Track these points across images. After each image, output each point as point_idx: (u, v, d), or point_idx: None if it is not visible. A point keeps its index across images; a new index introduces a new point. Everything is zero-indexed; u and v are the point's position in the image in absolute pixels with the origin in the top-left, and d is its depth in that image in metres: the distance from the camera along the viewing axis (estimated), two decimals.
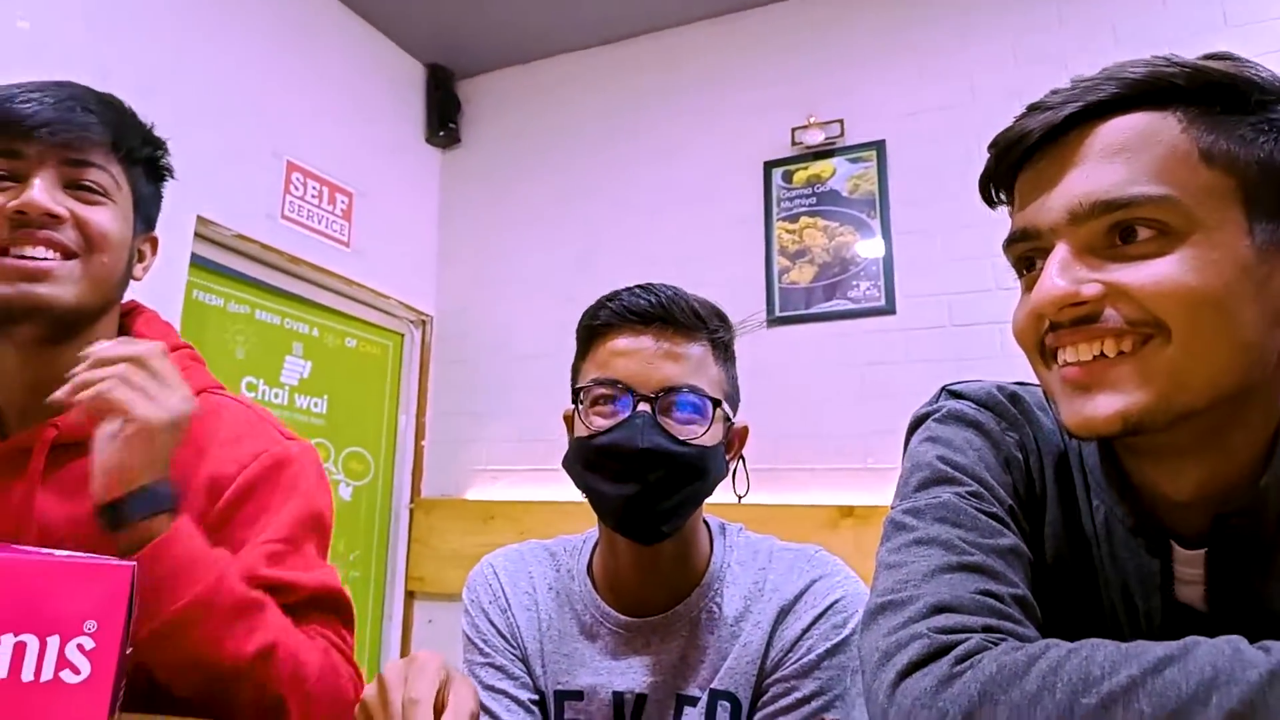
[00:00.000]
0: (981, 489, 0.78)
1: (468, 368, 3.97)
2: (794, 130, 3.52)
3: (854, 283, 3.33)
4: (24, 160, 0.99)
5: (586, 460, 1.09)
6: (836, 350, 3.29)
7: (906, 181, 3.34)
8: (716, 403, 1.10)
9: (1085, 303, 0.68)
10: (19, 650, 0.62)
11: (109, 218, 1.04)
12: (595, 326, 1.14)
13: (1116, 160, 0.69)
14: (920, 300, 3.21)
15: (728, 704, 1.09)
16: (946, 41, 3.38)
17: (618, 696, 1.12)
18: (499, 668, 1.16)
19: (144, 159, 1.11)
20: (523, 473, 3.69)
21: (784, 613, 1.10)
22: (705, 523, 1.20)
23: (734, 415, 1.17)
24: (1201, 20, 2.98)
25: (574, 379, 1.16)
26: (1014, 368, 0.85)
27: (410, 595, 3.80)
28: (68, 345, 1.04)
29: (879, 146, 3.40)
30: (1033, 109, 0.74)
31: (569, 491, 1.13)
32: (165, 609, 0.89)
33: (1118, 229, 0.68)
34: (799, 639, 1.08)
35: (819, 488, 3.15)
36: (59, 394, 0.90)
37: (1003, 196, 0.80)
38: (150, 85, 2.70)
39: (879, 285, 3.29)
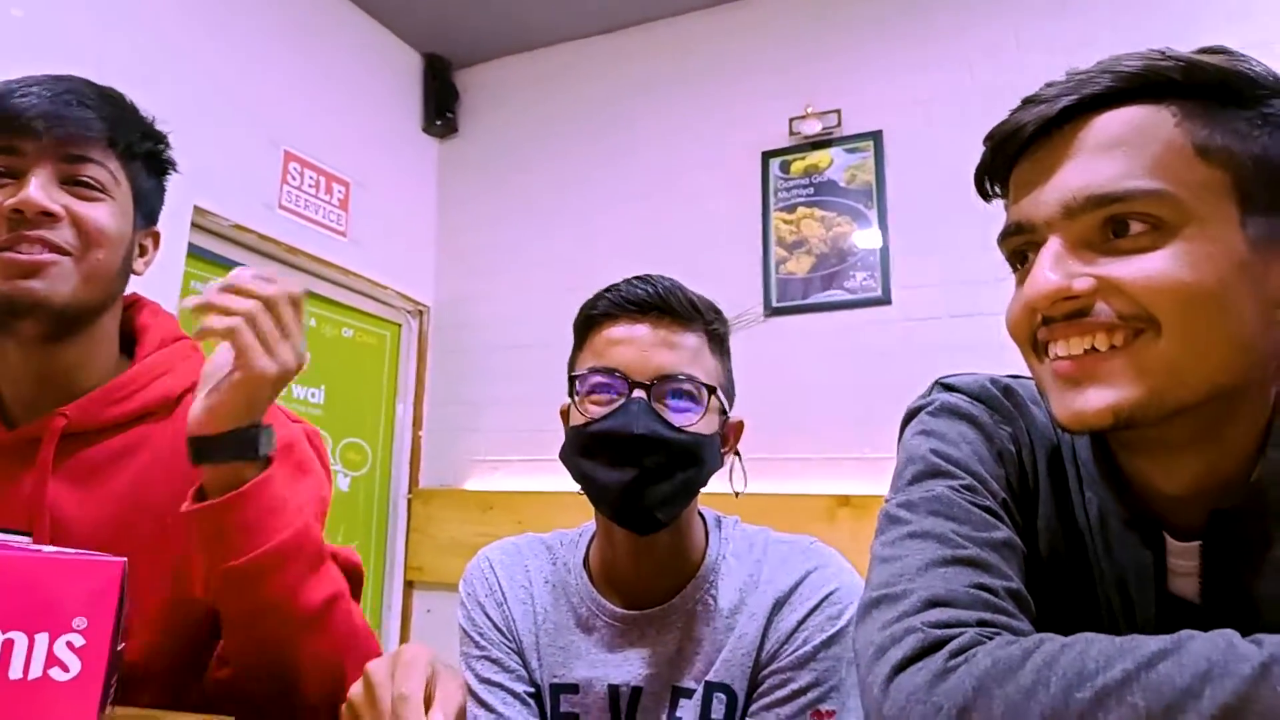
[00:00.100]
0: (975, 482, 0.78)
1: (465, 358, 3.97)
2: (791, 120, 3.51)
3: (851, 273, 3.33)
4: (21, 157, 0.99)
5: (582, 448, 1.09)
6: (833, 341, 3.29)
7: (904, 172, 3.33)
8: (712, 390, 1.10)
9: (1077, 297, 0.68)
10: (7, 647, 0.62)
11: (106, 214, 1.03)
12: (593, 316, 1.14)
13: (1111, 154, 0.69)
14: (917, 291, 3.21)
15: (723, 696, 1.09)
16: (945, 31, 3.37)
17: (613, 689, 1.12)
18: (495, 661, 1.16)
19: (144, 153, 1.10)
20: (521, 463, 3.69)
21: (779, 604, 1.10)
22: (701, 515, 1.20)
23: (729, 409, 1.17)
24: (1201, 11, 2.97)
25: (570, 369, 1.16)
26: (1010, 360, 0.85)
27: (409, 585, 3.81)
28: (71, 341, 1.04)
29: (876, 137, 3.40)
30: (1028, 102, 0.74)
31: (567, 482, 1.13)
32: (254, 550, 0.90)
33: (1111, 223, 0.68)
34: (794, 631, 1.08)
35: (816, 477, 3.16)
36: (189, 301, 0.89)
37: (997, 190, 0.80)
38: (147, 75, 2.70)
39: (876, 276, 3.28)
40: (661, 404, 1.08)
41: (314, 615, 0.93)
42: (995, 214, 0.80)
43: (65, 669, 0.63)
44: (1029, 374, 0.80)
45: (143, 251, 1.14)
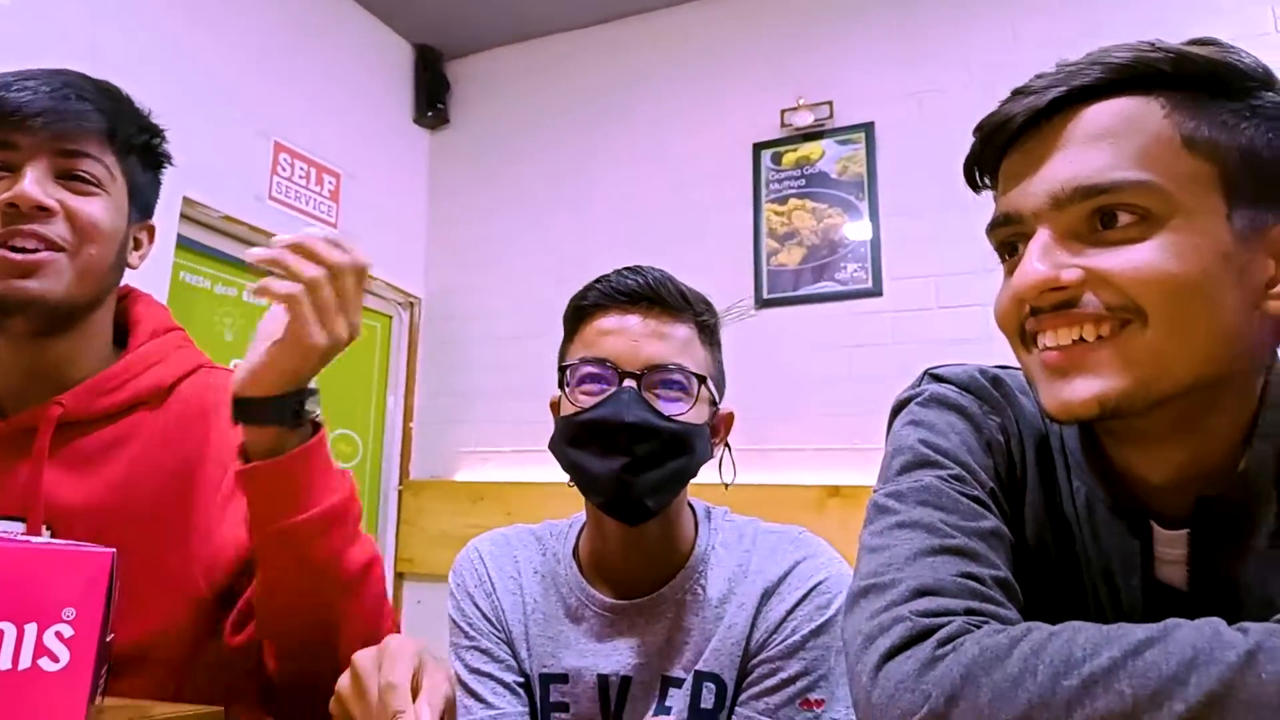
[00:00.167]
0: (963, 472, 0.78)
1: (456, 349, 3.97)
2: (783, 112, 3.51)
3: (842, 265, 3.33)
4: (17, 151, 0.99)
5: (572, 437, 1.10)
6: (824, 332, 3.30)
7: (895, 164, 3.34)
8: (701, 379, 1.10)
9: (1064, 288, 0.69)
10: None
11: (100, 209, 1.03)
12: (583, 307, 1.14)
13: (1099, 145, 0.69)
14: (907, 282, 3.22)
15: (713, 685, 1.09)
16: (936, 23, 3.37)
17: (603, 679, 1.12)
18: (484, 651, 1.16)
19: (140, 147, 1.10)
20: (512, 454, 3.69)
21: (768, 594, 1.11)
22: (690, 506, 1.20)
23: (719, 399, 1.17)
24: (1195, 3, 2.97)
25: (561, 360, 1.17)
26: (999, 351, 0.85)
27: (399, 576, 3.81)
28: (63, 336, 1.05)
29: (868, 129, 3.40)
30: (1017, 93, 0.74)
31: (557, 473, 1.14)
32: (310, 509, 0.91)
33: (1099, 214, 0.69)
34: (783, 620, 1.08)
35: (806, 468, 3.16)
36: (252, 254, 0.87)
37: (986, 181, 0.80)
38: (136, 66, 2.68)
39: (866, 267, 3.29)
40: (651, 393, 1.08)
41: (355, 578, 0.95)
42: (985, 206, 0.80)
43: (55, 659, 0.62)
44: (1018, 365, 0.80)
45: (137, 245, 1.14)
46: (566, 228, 3.82)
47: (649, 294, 1.11)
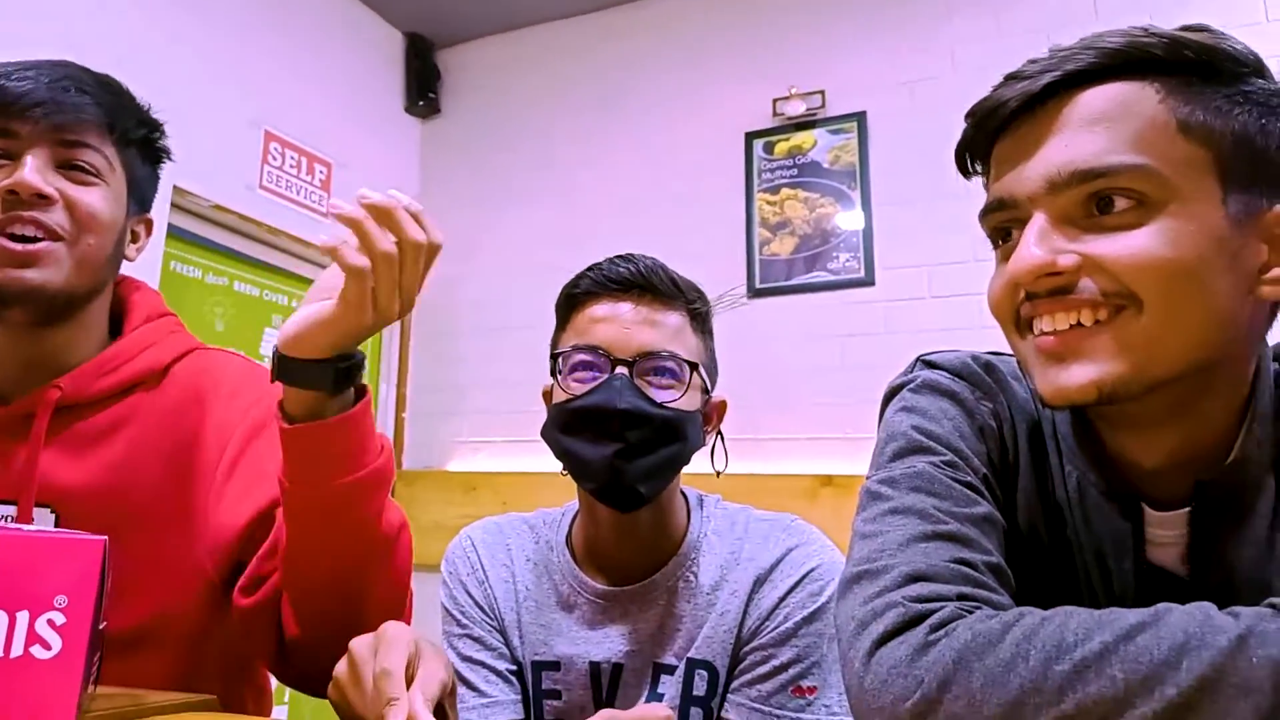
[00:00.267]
0: (956, 458, 0.79)
1: (448, 339, 3.96)
2: (775, 101, 3.50)
3: (834, 254, 3.33)
4: (16, 140, 0.99)
5: (565, 424, 1.10)
6: (816, 322, 3.30)
7: (887, 153, 3.33)
8: (694, 366, 1.10)
9: (1061, 273, 0.69)
10: None
11: (99, 199, 1.03)
12: (575, 295, 1.15)
13: (1095, 129, 0.69)
14: (900, 272, 3.22)
15: (705, 673, 1.10)
16: (929, 13, 3.36)
17: (594, 666, 1.13)
18: (477, 639, 1.16)
19: (139, 140, 1.10)
20: (504, 444, 3.69)
21: (760, 581, 1.11)
22: (683, 494, 1.21)
23: (712, 387, 1.17)
24: None
25: (553, 348, 1.17)
26: (992, 341, 0.86)
27: None
28: (60, 325, 1.05)
29: (860, 118, 3.39)
30: (1010, 78, 0.74)
31: (551, 462, 1.14)
32: (358, 470, 0.90)
33: (1095, 199, 0.69)
34: (775, 607, 1.09)
35: (799, 457, 3.17)
36: (335, 206, 0.83)
37: (978, 167, 0.80)
38: (126, 54, 2.66)
39: (859, 257, 3.29)
40: (644, 380, 1.08)
41: (388, 541, 0.95)
42: (977, 196, 0.80)
43: (47, 647, 0.62)
44: (1010, 352, 0.80)
45: (134, 238, 1.15)
46: (558, 217, 3.81)
47: (641, 282, 1.11)
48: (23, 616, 0.62)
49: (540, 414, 1.16)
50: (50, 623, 0.63)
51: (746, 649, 1.09)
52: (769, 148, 3.52)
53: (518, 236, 3.88)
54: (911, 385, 0.87)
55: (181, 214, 3.07)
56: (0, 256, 0.97)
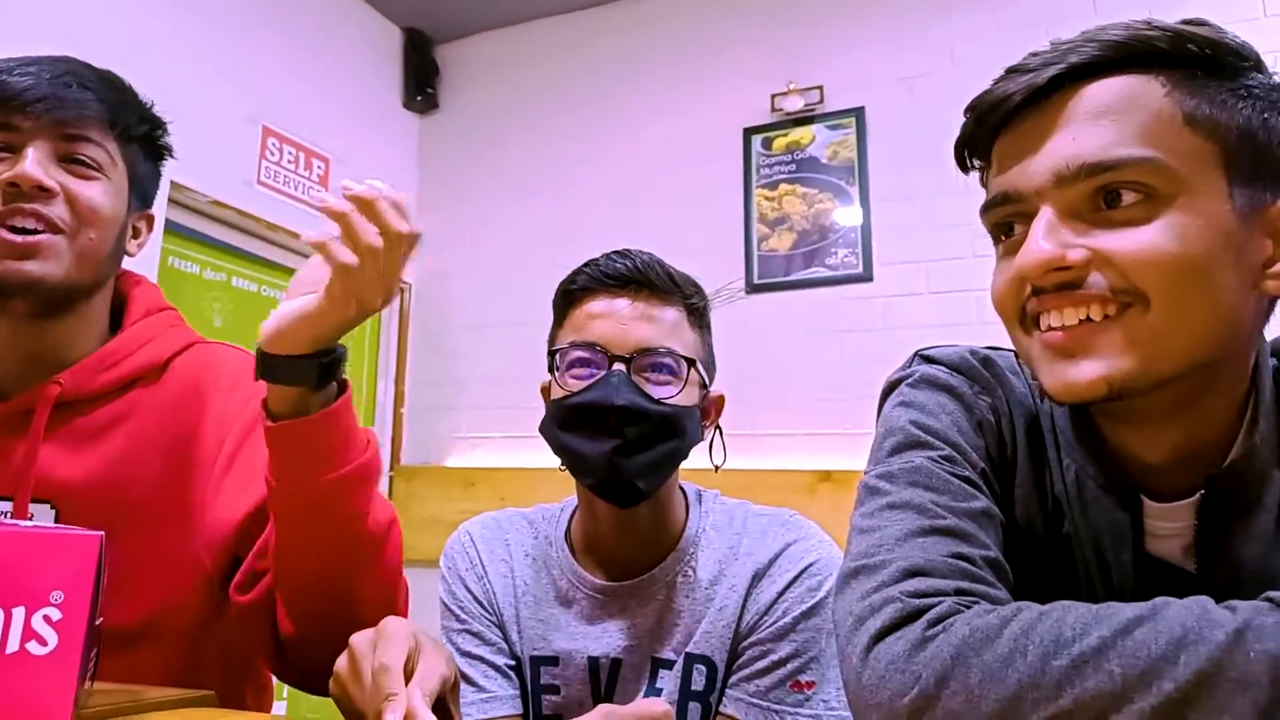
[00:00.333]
0: (954, 453, 0.78)
1: (447, 335, 3.96)
2: (774, 97, 3.50)
3: (832, 250, 3.33)
4: (19, 133, 0.99)
5: (563, 421, 1.10)
6: (814, 317, 3.30)
7: (885, 149, 3.33)
8: (691, 362, 1.10)
9: (1069, 267, 0.68)
10: None
11: (100, 193, 1.03)
12: (571, 291, 1.15)
13: (1102, 122, 0.68)
14: (898, 268, 3.22)
15: (703, 667, 1.10)
16: (927, 8, 3.36)
17: (593, 661, 1.13)
18: (475, 634, 1.16)
19: (141, 136, 1.11)
20: (503, 440, 3.69)
21: (758, 576, 1.11)
22: (681, 489, 1.21)
23: (710, 382, 1.17)
24: None
25: (550, 344, 1.16)
26: (991, 335, 0.85)
27: None
28: (61, 319, 1.05)
29: (858, 113, 3.39)
30: (1012, 71, 0.74)
31: (549, 458, 1.14)
32: (343, 466, 0.90)
33: (1103, 192, 0.68)
34: (774, 602, 1.09)
35: (797, 453, 3.17)
36: (321, 199, 0.83)
37: (977, 162, 0.79)
38: (124, 50, 2.65)
39: (857, 253, 3.29)
40: (641, 377, 1.08)
41: (379, 537, 0.95)
42: (975, 191, 0.79)
43: (43, 643, 0.62)
44: (1008, 347, 0.80)
45: (136, 234, 1.15)
46: (557, 213, 3.80)
47: (637, 277, 1.11)
48: (19, 612, 0.62)
49: (538, 409, 1.16)
50: (46, 618, 0.63)
51: (745, 644, 1.09)
52: (767, 143, 3.51)
53: (516, 232, 3.88)
54: (909, 380, 0.87)
55: (179, 209, 3.06)
56: (0, 248, 0.97)
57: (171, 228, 3.01)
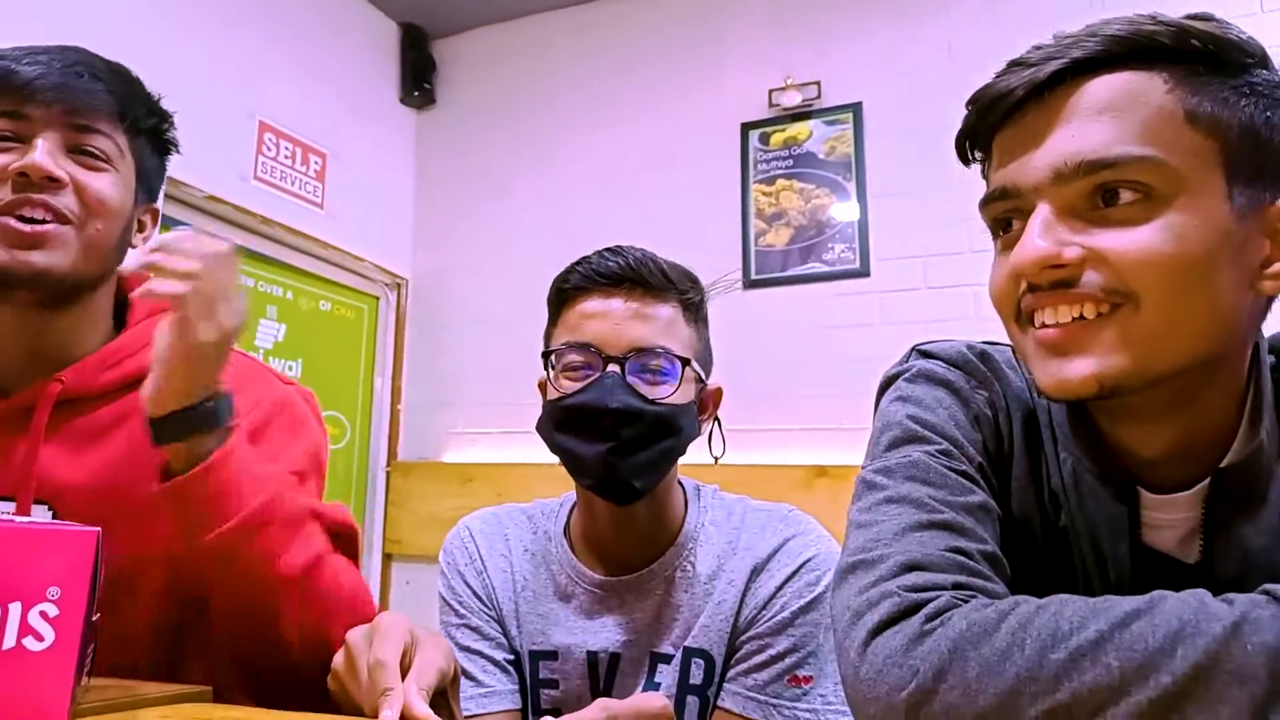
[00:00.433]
0: (951, 447, 0.78)
1: (444, 331, 3.96)
2: (771, 92, 3.50)
3: (829, 245, 3.33)
4: (28, 122, 0.99)
5: (558, 422, 1.10)
6: (811, 313, 3.30)
7: (883, 144, 3.33)
8: (685, 361, 1.10)
9: (1065, 265, 0.68)
10: None
11: (109, 184, 1.03)
12: (566, 290, 1.14)
13: (1102, 119, 0.68)
14: (895, 263, 3.22)
15: (701, 661, 1.10)
16: (925, 4, 3.36)
17: (592, 656, 1.13)
18: (474, 629, 1.16)
19: (149, 129, 1.10)
20: (500, 435, 3.69)
21: (757, 571, 1.11)
22: (680, 484, 1.21)
23: (706, 377, 1.17)
24: None
25: (546, 343, 1.16)
26: (988, 330, 0.85)
27: (387, 557, 3.81)
28: (66, 310, 1.04)
29: (856, 109, 3.39)
30: (1014, 65, 0.73)
31: (547, 454, 1.14)
32: (221, 524, 0.89)
33: (1101, 190, 0.68)
34: (772, 597, 1.09)
35: (794, 448, 3.17)
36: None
37: (978, 155, 0.79)
38: (120, 45, 2.64)
39: (854, 248, 3.29)
40: (636, 377, 1.08)
41: (293, 580, 0.93)
42: (973, 187, 0.79)
43: (40, 639, 0.62)
44: (1005, 342, 0.80)
45: (141, 227, 1.14)
46: (553, 208, 3.80)
47: (631, 275, 1.10)
48: (15, 608, 0.62)
49: (535, 405, 1.16)
50: (43, 614, 0.62)
51: (743, 638, 1.09)
52: (765, 138, 3.51)
53: (513, 227, 3.88)
54: (907, 374, 0.87)
55: (176, 204, 3.06)
56: (9, 237, 0.96)
57: (168, 223, 3.00)
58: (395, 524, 3.81)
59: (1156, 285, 0.66)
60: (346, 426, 3.79)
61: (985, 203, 0.76)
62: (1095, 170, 0.67)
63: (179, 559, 0.93)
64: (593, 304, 1.11)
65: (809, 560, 1.10)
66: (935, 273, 3.13)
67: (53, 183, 0.98)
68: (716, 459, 1.18)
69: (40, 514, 1.00)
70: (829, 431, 3.15)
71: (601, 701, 0.80)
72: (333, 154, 3.70)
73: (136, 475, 1.03)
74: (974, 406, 0.83)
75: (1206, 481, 0.74)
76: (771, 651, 1.07)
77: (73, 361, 1.05)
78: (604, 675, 1.13)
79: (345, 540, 1.07)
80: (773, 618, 1.08)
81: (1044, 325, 0.71)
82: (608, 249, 1.13)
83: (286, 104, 3.49)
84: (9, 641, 0.61)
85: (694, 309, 1.16)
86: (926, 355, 0.88)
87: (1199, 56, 0.69)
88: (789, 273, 3.37)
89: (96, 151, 1.02)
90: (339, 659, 0.81)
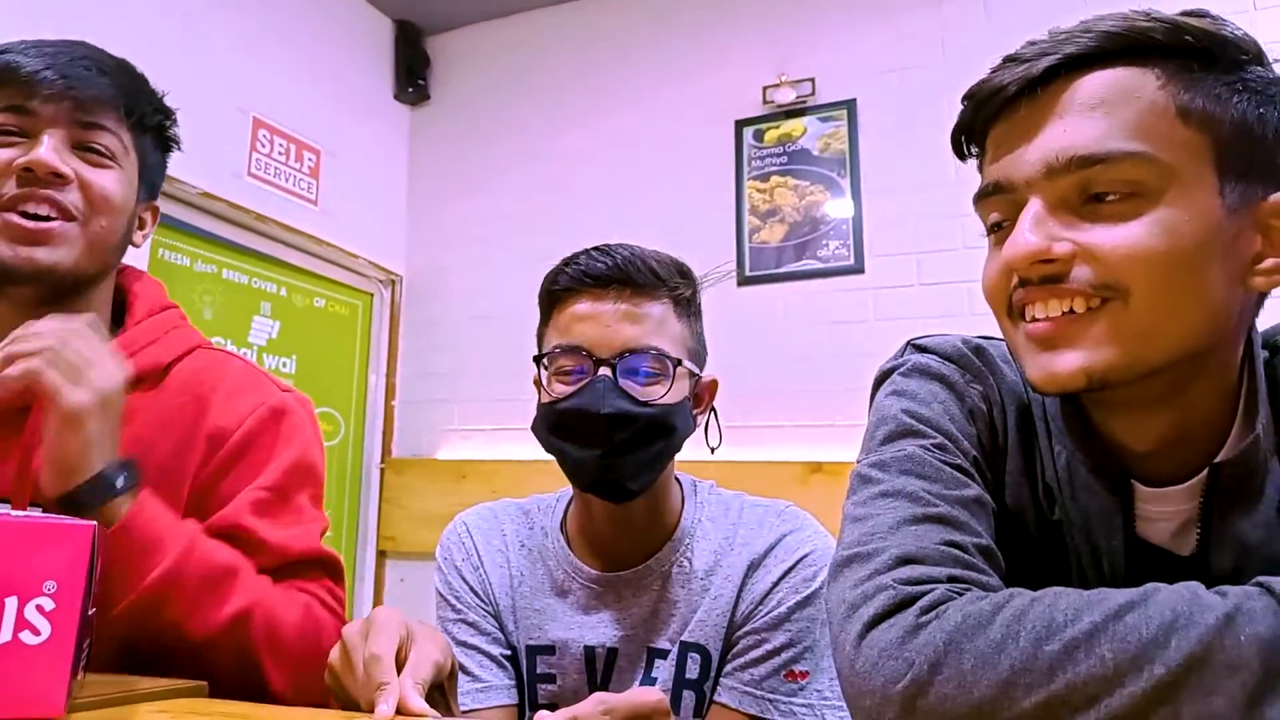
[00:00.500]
0: (946, 441, 0.79)
1: (438, 327, 3.95)
2: (765, 89, 3.50)
3: (824, 242, 3.33)
4: (34, 117, 0.99)
5: (552, 425, 1.10)
6: (806, 309, 3.30)
7: (877, 141, 3.33)
8: (677, 362, 1.10)
9: (1054, 260, 0.68)
10: None
11: (113, 181, 1.03)
12: (555, 292, 1.13)
13: (1094, 115, 0.68)
14: (889, 259, 3.22)
15: (697, 656, 1.10)
16: (919, 0, 3.36)
17: (589, 650, 1.13)
18: (471, 624, 1.16)
19: (154, 127, 1.11)
20: (494, 432, 3.68)
21: (754, 566, 1.11)
22: (677, 480, 1.21)
23: (700, 369, 1.17)
24: None
25: (539, 344, 1.16)
26: (982, 326, 0.86)
27: (382, 555, 3.81)
28: (67, 305, 1.03)
29: (850, 105, 3.39)
30: (1009, 61, 0.74)
31: (541, 450, 1.14)
32: (134, 587, 0.88)
33: (1093, 185, 0.68)
34: (769, 592, 1.09)
35: (789, 444, 3.18)
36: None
37: (974, 150, 0.80)
38: (114, 40, 2.64)
39: (848, 245, 3.29)
40: (628, 379, 1.08)
41: (216, 635, 0.92)
42: (966, 184, 0.80)
43: (36, 632, 0.62)
44: (1000, 336, 0.80)
45: (142, 224, 1.14)
46: (548, 204, 3.80)
47: (620, 276, 1.09)
48: (11, 602, 0.62)
49: (530, 402, 1.16)
50: (39, 608, 0.62)
51: (739, 633, 1.09)
52: (759, 135, 3.51)
53: (507, 223, 3.87)
54: (902, 369, 0.87)
55: (170, 201, 3.05)
56: (13, 233, 0.96)
57: (161, 219, 2.99)
58: (389, 521, 3.81)
59: (1146, 280, 0.66)
60: (340, 423, 3.79)
61: (979, 198, 0.77)
62: (1086, 165, 0.68)
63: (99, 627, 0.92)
64: (582, 306, 1.10)
65: (806, 556, 1.10)
66: (929, 269, 3.14)
67: (58, 179, 0.98)
68: (714, 449, 1.18)
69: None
70: (824, 428, 3.15)
71: (598, 695, 0.81)
72: (327, 150, 3.69)
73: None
74: (969, 401, 0.83)
75: (1201, 475, 0.75)
76: (768, 646, 1.07)
77: None
78: (601, 670, 1.13)
79: (314, 564, 1.06)
80: (769, 613, 1.08)
81: (1034, 319, 0.71)
82: (596, 248, 1.13)
83: (280, 100, 3.49)
84: (5, 635, 0.61)
85: (685, 304, 1.15)
86: (921, 350, 0.88)
87: (1192, 53, 0.69)
88: (783, 269, 3.37)
89: (102, 149, 1.02)
90: (335, 654, 0.82)
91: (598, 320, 1.09)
